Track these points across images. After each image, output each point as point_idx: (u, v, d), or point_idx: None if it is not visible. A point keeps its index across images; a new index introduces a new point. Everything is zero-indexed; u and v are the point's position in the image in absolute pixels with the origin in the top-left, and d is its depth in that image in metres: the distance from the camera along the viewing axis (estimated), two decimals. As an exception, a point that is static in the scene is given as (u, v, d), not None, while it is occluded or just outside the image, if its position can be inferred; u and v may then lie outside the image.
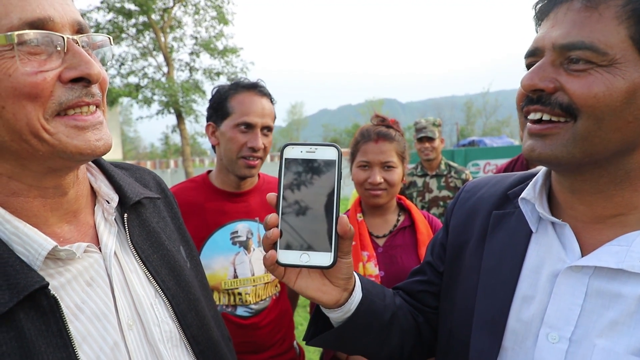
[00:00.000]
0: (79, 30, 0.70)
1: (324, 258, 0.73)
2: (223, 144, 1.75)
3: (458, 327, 0.91)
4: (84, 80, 0.69)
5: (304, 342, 0.95)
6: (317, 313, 0.91)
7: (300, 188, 0.73)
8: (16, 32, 0.61)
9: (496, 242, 0.89)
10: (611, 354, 0.71)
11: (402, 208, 1.96)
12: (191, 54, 19.96)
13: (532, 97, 0.75)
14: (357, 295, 0.86)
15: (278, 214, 0.73)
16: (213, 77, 19.95)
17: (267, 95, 1.80)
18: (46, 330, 0.66)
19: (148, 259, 0.86)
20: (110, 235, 0.82)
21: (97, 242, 0.80)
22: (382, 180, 1.79)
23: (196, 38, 19.73)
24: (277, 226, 0.73)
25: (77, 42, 0.69)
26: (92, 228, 0.81)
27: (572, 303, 0.76)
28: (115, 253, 0.81)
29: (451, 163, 3.80)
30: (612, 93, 0.67)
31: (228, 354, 0.96)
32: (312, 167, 0.73)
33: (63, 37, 0.66)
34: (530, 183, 0.87)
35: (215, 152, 1.86)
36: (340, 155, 0.74)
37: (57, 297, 0.68)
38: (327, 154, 0.73)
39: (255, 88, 1.77)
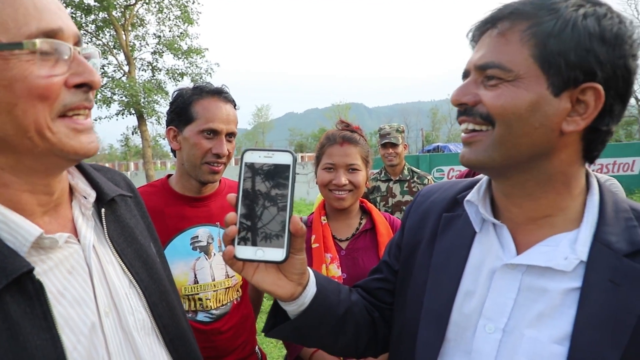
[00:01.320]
0: (77, 42, 0.78)
1: (277, 254, 0.80)
2: (186, 149, 1.73)
3: (409, 321, 0.97)
4: (85, 86, 0.76)
5: (265, 347, 0.97)
6: (275, 306, 0.96)
7: (258, 190, 0.80)
8: (37, 40, 0.69)
9: (444, 242, 0.97)
10: (537, 342, 0.79)
11: (365, 211, 2.01)
12: (154, 53, 19.52)
13: (461, 110, 0.85)
14: (311, 289, 0.91)
15: (237, 213, 0.80)
16: (176, 77, 19.58)
17: (231, 101, 1.80)
18: (31, 313, 0.71)
19: (123, 252, 0.91)
20: (89, 228, 0.87)
21: (75, 234, 0.85)
22: (347, 182, 1.83)
23: (159, 37, 19.33)
24: (235, 224, 0.79)
25: (78, 52, 0.77)
26: (70, 221, 0.87)
27: (507, 297, 0.84)
28: (94, 245, 0.86)
29: (414, 169, 3.89)
30: (517, 103, 0.77)
31: (196, 345, 1.02)
32: (269, 171, 0.80)
33: (70, 47, 0.74)
34: (475, 187, 0.95)
35: (175, 156, 1.84)
36: (294, 160, 0.81)
37: (42, 282, 0.73)
38: (283, 159, 0.81)
39: (220, 94, 1.76)
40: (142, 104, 18.03)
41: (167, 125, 1.79)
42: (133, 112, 18.46)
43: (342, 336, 1.00)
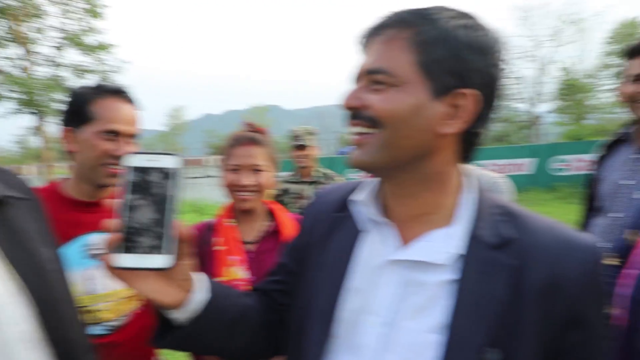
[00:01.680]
0: None
1: (161, 260, 0.78)
2: (83, 151, 1.63)
3: (300, 321, 0.98)
4: None
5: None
6: (163, 314, 0.93)
7: (142, 194, 0.77)
8: None
9: (334, 241, 0.99)
10: (414, 332, 0.84)
11: (272, 213, 2.01)
12: (55, 47, 18.02)
13: (351, 114, 0.89)
14: (201, 295, 0.90)
15: (119, 219, 0.77)
16: (82, 75, 18.24)
17: (132, 101, 1.72)
18: None
19: (12, 257, 0.86)
20: None
21: None
22: (252, 182, 1.83)
23: (62, 30, 17.88)
24: (117, 230, 0.76)
25: None
26: None
27: (390, 292, 0.88)
28: None
29: (325, 170, 3.98)
30: (402, 107, 0.82)
31: (92, 358, 0.98)
32: (154, 175, 0.78)
33: None
34: (362, 187, 0.99)
35: (72, 159, 1.71)
36: (181, 163, 0.79)
37: None
38: (169, 162, 0.79)
39: (121, 94, 1.68)
40: (42, 102, 16.55)
41: (64, 126, 1.68)
42: (34, 111, 16.91)
43: (237, 340, 1.00)
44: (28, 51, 17.10)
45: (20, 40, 16.75)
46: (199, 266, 1.88)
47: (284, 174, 4.08)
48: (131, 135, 1.69)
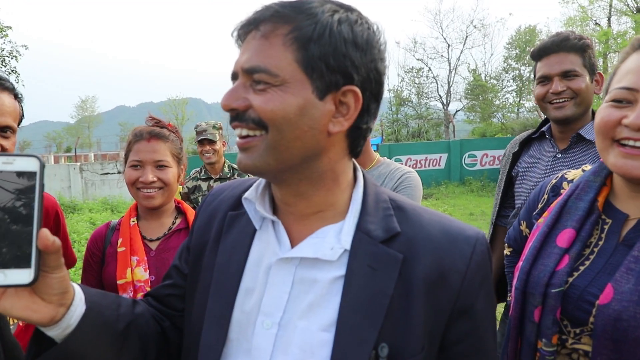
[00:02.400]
0: None
1: (23, 276, 0.70)
2: None
3: (194, 326, 0.95)
4: None
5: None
6: (37, 332, 0.84)
7: None
8: None
9: (228, 241, 0.96)
10: (307, 332, 0.82)
11: (180, 211, 1.95)
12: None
13: (233, 115, 0.83)
14: (79, 308, 0.83)
15: None
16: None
17: (8, 89, 1.49)
18: None
19: None
20: None
21: None
22: (155, 179, 1.75)
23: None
24: None
25: None
26: None
27: (282, 291, 0.86)
28: None
29: (234, 165, 3.85)
30: (286, 107, 0.78)
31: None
32: (9, 180, 0.70)
33: None
34: (254, 185, 0.96)
35: None
36: (42, 166, 0.71)
37: None
38: (27, 165, 0.71)
39: None
40: None
41: None
42: None
43: (126, 353, 0.92)
44: None
45: None
46: (101, 268, 1.82)
47: (193, 171, 3.92)
48: (3, 127, 1.46)
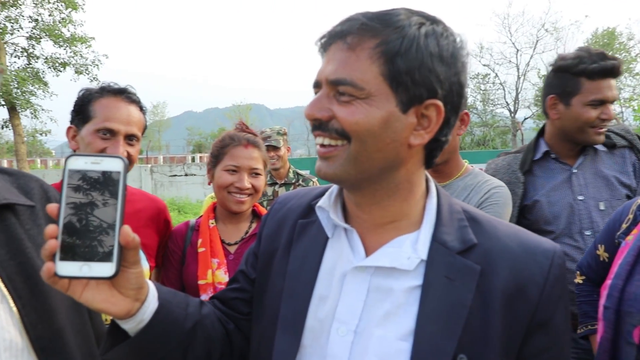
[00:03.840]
0: None
1: (105, 269, 0.74)
2: (82, 149, 1.65)
3: (266, 331, 0.96)
4: None
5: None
6: (113, 325, 0.89)
7: (83, 199, 0.74)
8: None
9: (299, 248, 0.97)
10: (384, 340, 0.82)
11: (256, 215, 1.98)
12: (30, 38, 17.48)
13: (315, 124, 0.84)
14: (152, 304, 0.87)
15: (59, 225, 0.73)
16: (57, 67, 17.75)
17: (136, 102, 1.70)
18: None
19: (2, 264, 0.87)
20: None
21: None
22: (250, 185, 1.80)
23: (36, 21, 17.35)
24: (56, 237, 0.72)
25: None
26: None
27: (357, 299, 0.86)
28: None
29: (299, 171, 3.88)
30: (370, 120, 0.79)
31: None
32: (96, 178, 0.74)
33: None
34: (327, 193, 0.97)
35: None
36: (125, 167, 0.76)
37: None
38: (113, 165, 0.75)
39: (123, 93, 1.68)
40: (15, 95, 16.02)
41: (70, 124, 1.72)
42: (3, 103, 16.35)
43: (192, 352, 0.96)
44: (-1, 41, 16.52)
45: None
46: (181, 267, 1.86)
47: None
48: (129, 136, 1.65)
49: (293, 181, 3.76)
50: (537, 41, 32.14)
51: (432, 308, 0.81)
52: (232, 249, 1.85)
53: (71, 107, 1.73)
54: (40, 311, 0.89)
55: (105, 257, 0.74)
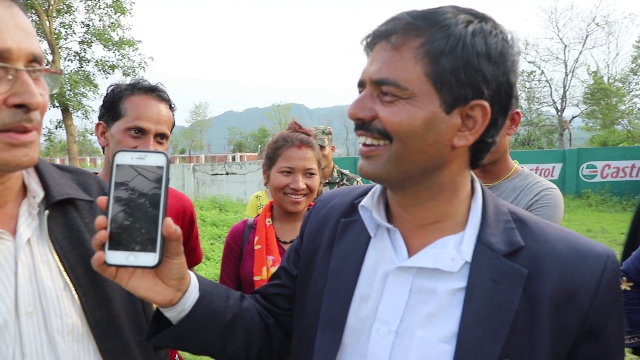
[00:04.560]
0: (34, 59, 0.81)
1: (149, 258, 0.78)
2: (112, 147, 1.64)
3: (307, 327, 0.97)
4: (24, 107, 0.79)
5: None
6: (157, 313, 0.94)
7: (129, 192, 0.78)
8: None
9: (342, 247, 0.97)
10: (426, 342, 0.81)
11: None
12: (82, 43, 18.34)
13: (358, 124, 0.84)
14: (193, 295, 0.90)
15: (107, 217, 0.78)
16: (107, 70, 18.53)
17: (166, 100, 1.70)
18: None
19: (65, 254, 0.91)
20: (28, 227, 0.89)
21: (15, 232, 0.87)
22: (305, 186, 1.81)
23: (88, 26, 18.18)
24: (105, 228, 0.77)
25: (33, 71, 0.81)
26: (14, 219, 0.89)
27: (399, 300, 0.86)
28: (30, 243, 0.88)
29: (343, 171, 3.86)
30: (413, 121, 0.78)
31: (139, 358, 0.99)
32: (141, 173, 0.79)
33: (15, 69, 0.78)
34: (370, 193, 0.96)
35: (104, 153, 1.73)
36: (168, 162, 0.80)
37: None
38: (156, 160, 0.79)
39: (154, 91, 1.67)
40: (68, 97, 16.84)
41: (98, 120, 1.71)
42: (57, 104, 17.21)
43: (231, 343, 0.99)
44: (53, 45, 17.38)
45: (46, 35, 17.03)
46: (239, 263, 1.90)
47: None
48: (159, 134, 1.65)
49: (337, 180, 3.75)
50: (586, 36, 30.74)
51: (476, 311, 0.80)
52: (288, 247, 1.85)
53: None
54: (99, 299, 0.94)
55: (150, 248, 0.78)
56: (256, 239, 1.87)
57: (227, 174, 17.16)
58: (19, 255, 0.85)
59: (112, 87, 1.70)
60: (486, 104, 0.79)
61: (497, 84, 0.79)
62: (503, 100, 0.81)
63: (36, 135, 0.85)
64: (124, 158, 0.78)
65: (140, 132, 1.61)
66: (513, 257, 0.82)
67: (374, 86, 0.81)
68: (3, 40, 0.76)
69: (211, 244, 8.60)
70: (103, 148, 1.71)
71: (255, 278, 1.79)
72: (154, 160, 0.79)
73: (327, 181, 3.76)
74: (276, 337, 1.07)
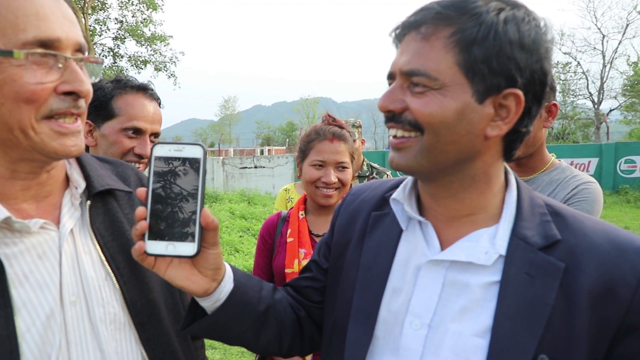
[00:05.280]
0: (79, 49, 0.83)
1: (188, 248, 0.79)
2: (103, 147, 1.58)
3: (339, 320, 0.97)
4: (74, 94, 0.82)
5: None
6: (193, 303, 0.95)
7: (168, 183, 0.79)
8: (30, 51, 0.76)
9: (373, 240, 0.97)
10: (460, 336, 0.81)
11: None
12: (115, 39, 18.80)
13: (389, 116, 0.84)
14: (228, 285, 0.91)
15: (147, 208, 0.79)
16: (139, 65, 18.96)
17: (156, 99, 1.67)
18: None
19: (106, 244, 0.93)
20: (71, 217, 0.90)
21: (59, 222, 0.89)
22: (336, 180, 1.81)
23: (121, 22, 18.61)
24: (145, 219, 0.78)
25: (79, 60, 0.83)
26: (58, 209, 0.90)
27: (432, 293, 0.85)
28: (73, 233, 0.89)
29: (373, 164, 3.84)
30: (444, 112, 0.77)
31: (179, 348, 1.01)
32: (179, 164, 0.80)
33: (65, 57, 0.80)
34: (401, 186, 0.96)
35: (87, 152, 1.66)
36: (205, 153, 0.80)
37: (4, 263, 0.78)
38: (193, 152, 0.80)
39: (146, 90, 1.64)
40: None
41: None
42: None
43: (264, 333, 1.00)
44: (88, 42, 17.90)
45: (82, 31, 17.53)
46: (272, 255, 1.91)
47: None
48: (154, 134, 1.64)
49: (367, 174, 3.72)
50: (627, 25, 29.46)
51: (511, 305, 0.78)
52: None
53: None
54: (139, 288, 0.95)
55: (188, 238, 0.79)
56: (289, 231, 1.87)
57: (255, 167, 17.33)
58: (63, 245, 0.86)
59: (99, 85, 1.59)
60: (520, 92, 0.77)
61: (531, 71, 0.77)
62: (537, 88, 0.79)
63: (81, 124, 0.87)
64: (162, 150, 0.80)
65: (136, 132, 1.57)
66: (549, 250, 0.80)
67: (404, 77, 0.80)
68: (53, 29, 0.78)
69: (240, 236, 8.70)
70: (87, 148, 1.61)
71: (287, 270, 1.80)
72: (191, 151, 0.80)
73: (357, 174, 3.75)
74: (307, 329, 1.08)
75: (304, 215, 1.91)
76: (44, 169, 0.87)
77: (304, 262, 1.78)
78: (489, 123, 0.79)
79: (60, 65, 0.80)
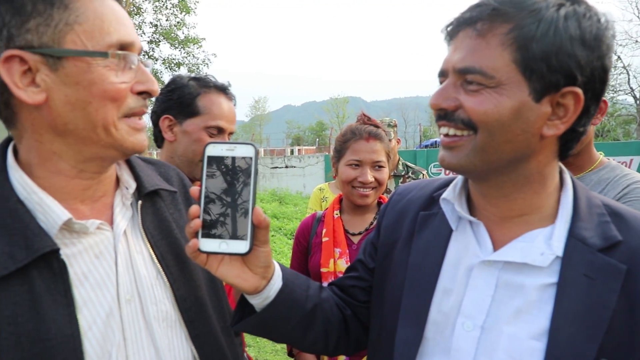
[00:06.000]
0: (139, 53, 0.88)
1: (240, 246, 0.80)
2: (184, 143, 1.63)
3: (387, 320, 0.97)
4: (146, 94, 0.87)
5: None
6: (242, 300, 0.96)
7: (220, 182, 0.81)
8: (117, 52, 0.81)
9: (422, 240, 0.96)
10: (515, 339, 0.79)
11: (381, 206, 1.96)
12: (150, 42, 19.28)
13: (440, 114, 0.83)
14: (277, 283, 0.92)
15: (200, 206, 0.80)
16: (173, 67, 19.38)
17: (233, 99, 1.76)
18: (54, 290, 0.77)
19: (156, 243, 0.95)
20: (124, 217, 0.93)
21: (112, 222, 0.91)
22: (373, 179, 1.80)
23: (156, 26, 19.08)
24: (199, 217, 0.80)
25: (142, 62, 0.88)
26: (110, 210, 0.93)
27: (485, 294, 0.84)
28: (125, 233, 0.92)
29: (409, 164, 3.81)
30: (500, 110, 0.76)
31: (225, 344, 1.03)
32: (231, 163, 0.81)
33: (138, 58, 0.85)
34: (451, 185, 0.95)
35: (159, 147, 1.72)
36: (256, 153, 0.82)
37: (67, 263, 0.80)
38: (245, 151, 0.81)
39: (226, 91, 1.72)
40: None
41: (161, 113, 1.65)
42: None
43: (311, 332, 1.00)
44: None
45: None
46: (307, 256, 1.93)
47: None
48: (231, 133, 1.71)
49: (402, 173, 3.70)
50: (671, 17, 28.16)
51: (569, 308, 0.76)
52: (356, 239, 1.87)
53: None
54: (188, 286, 0.97)
55: (241, 236, 0.80)
56: (324, 231, 1.87)
57: (286, 167, 17.44)
58: (118, 245, 0.89)
59: (177, 80, 1.68)
60: (579, 90, 0.76)
61: (592, 69, 0.75)
62: (597, 86, 0.77)
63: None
64: (215, 150, 0.81)
65: (218, 131, 1.64)
66: (609, 252, 0.78)
67: (458, 75, 0.79)
68: (129, 33, 0.84)
69: (272, 235, 8.80)
70: (161, 141, 1.69)
71: (322, 270, 1.80)
72: (243, 151, 0.81)
73: (392, 174, 3.71)
74: (353, 329, 1.07)
75: (338, 215, 1.91)
76: (107, 168, 0.91)
77: (339, 262, 1.79)
78: (546, 122, 0.78)
79: (132, 67, 0.84)
